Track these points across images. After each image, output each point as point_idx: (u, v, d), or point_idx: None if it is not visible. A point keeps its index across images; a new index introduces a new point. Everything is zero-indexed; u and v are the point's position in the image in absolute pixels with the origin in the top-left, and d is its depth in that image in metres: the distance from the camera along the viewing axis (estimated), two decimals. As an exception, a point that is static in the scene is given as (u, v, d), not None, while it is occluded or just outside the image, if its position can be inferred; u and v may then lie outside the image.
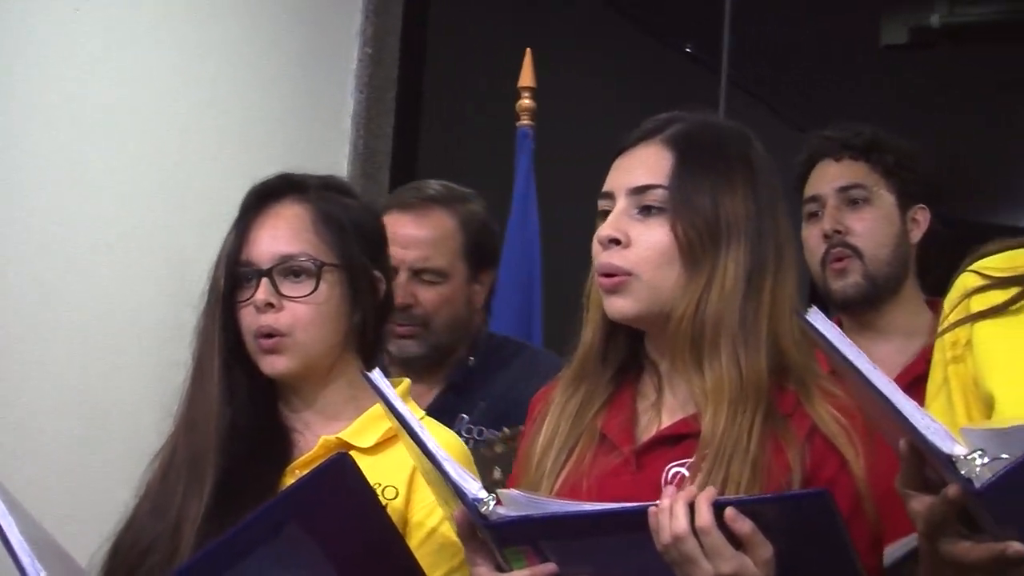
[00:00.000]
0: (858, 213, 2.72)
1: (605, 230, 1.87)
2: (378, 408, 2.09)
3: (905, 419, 1.47)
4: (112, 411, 3.44)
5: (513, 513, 1.64)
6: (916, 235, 2.76)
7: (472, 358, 2.93)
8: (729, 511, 1.57)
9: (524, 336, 3.44)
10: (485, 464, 2.43)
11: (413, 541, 1.96)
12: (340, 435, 2.08)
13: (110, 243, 3.50)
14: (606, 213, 1.90)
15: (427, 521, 2.01)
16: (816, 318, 1.57)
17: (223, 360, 2.08)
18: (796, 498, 1.64)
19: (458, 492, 1.68)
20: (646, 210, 1.86)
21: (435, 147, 4.93)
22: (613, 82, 6.51)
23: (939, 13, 5.66)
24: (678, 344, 1.84)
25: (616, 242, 1.86)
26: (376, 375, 1.83)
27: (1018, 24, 5.80)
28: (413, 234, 2.86)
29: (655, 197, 1.86)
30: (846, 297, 2.68)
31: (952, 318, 1.76)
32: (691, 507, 1.59)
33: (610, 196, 1.90)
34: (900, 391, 1.51)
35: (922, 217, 2.76)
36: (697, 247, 1.84)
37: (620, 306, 1.86)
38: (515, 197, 3.82)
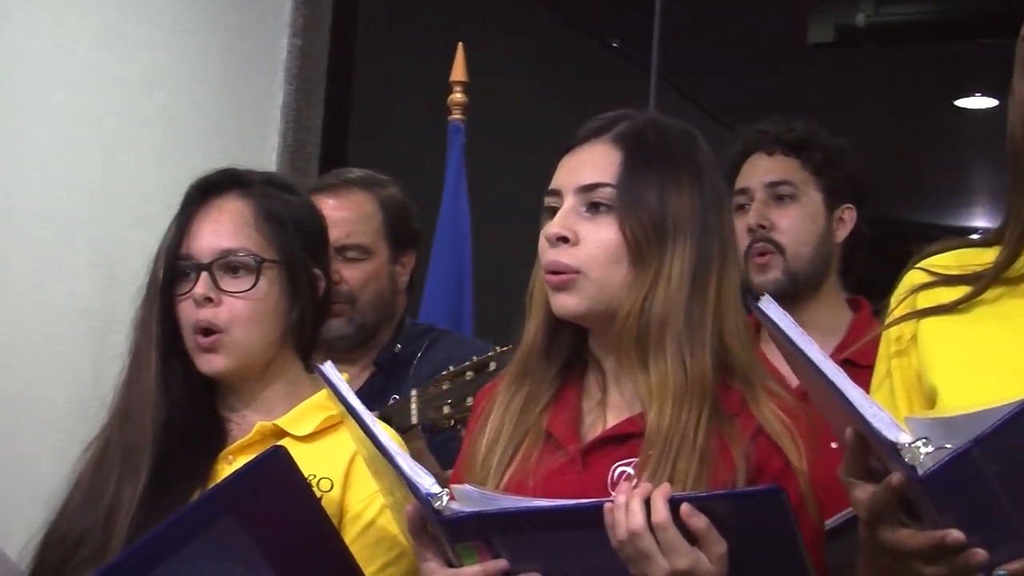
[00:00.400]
0: (784, 209, 2.72)
1: (553, 228, 1.87)
2: (316, 398, 2.10)
3: (852, 407, 1.48)
4: (39, 403, 3.41)
5: (466, 509, 1.64)
6: (841, 234, 2.76)
7: (399, 345, 2.96)
8: (685, 507, 1.58)
9: (455, 329, 3.45)
10: (432, 402, 2.47)
11: (350, 534, 1.96)
12: (276, 422, 2.08)
13: (36, 235, 3.46)
14: (553, 210, 1.90)
15: (365, 513, 2.00)
16: (769, 306, 1.59)
17: (160, 353, 2.07)
18: (750, 495, 1.65)
19: (411, 487, 1.68)
20: (594, 208, 1.87)
21: (365, 140, 4.92)
22: (544, 77, 6.52)
23: (865, 12, 5.71)
24: (624, 342, 1.85)
25: (564, 240, 1.86)
26: (328, 367, 1.84)
27: (942, 24, 5.88)
28: (334, 214, 2.88)
29: (603, 195, 1.87)
30: (765, 292, 2.68)
31: (898, 313, 1.77)
32: (646, 503, 1.59)
33: (557, 194, 1.91)
34: (849, 380, 1.52)
35: (848, 216, 2.77)
36: (644, 245, 1.84)
37: (567, 303, 1.87)
38: (446, 190, 3.84)
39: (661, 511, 1.58)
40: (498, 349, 2.43)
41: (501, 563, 1.65)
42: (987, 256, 1.76)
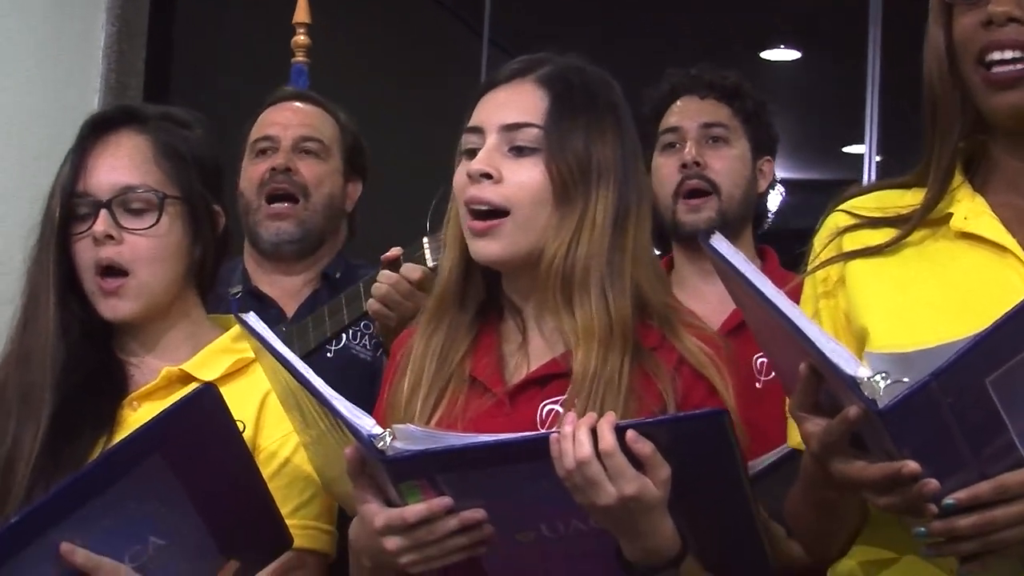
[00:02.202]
0: (718, 151, 2.75)
1: (477, 164, 1.86)
2: (220, 342, 2.07)
3: (809, 341, 1.51)
4: None
5: (411, 447, 1.63)
6: (762, 185, 2.82)
7: (339, 274, 2.93)
8: (630, 433, 1.59)
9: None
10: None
11: (264, 474, 1.92)
12: (183, 367, 2.03)
13: None
14: (472, 152, 1.89)
15: (279, 452, 1.98)
16: (720, 243, 1.61)
17: (58, 294, 2.00)
18: (694, 418, 1.67)
19: (351, 429, 1.66)
20: (518, 150, 1.87)
21: (188, 82, 4.82)
22: (385, 29, 6.49)
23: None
24: (548, 285, 1.86)
25: (488, 177, 1.85)
26: (251, 318, 1.82)
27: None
28: (296, 115, 2.95)
29: (529, 136, 1.87)
30: (697, 230, 2.69)
31: (824, 256, 1.80)
32: (593, 433, 1.60)
33: (479, 131, 1.90)
34: (804, 315, 1.55)
35: (767, 168, 2.82)
36: (571, 188, 1.85)
37: (490, 250, 1.87)
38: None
39: (608, 438, 1.59)
40: None
41: (446, 500, 1.65)
42: (907, 198, 1.80)
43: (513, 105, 1.89)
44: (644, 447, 1.60)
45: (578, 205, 1.85)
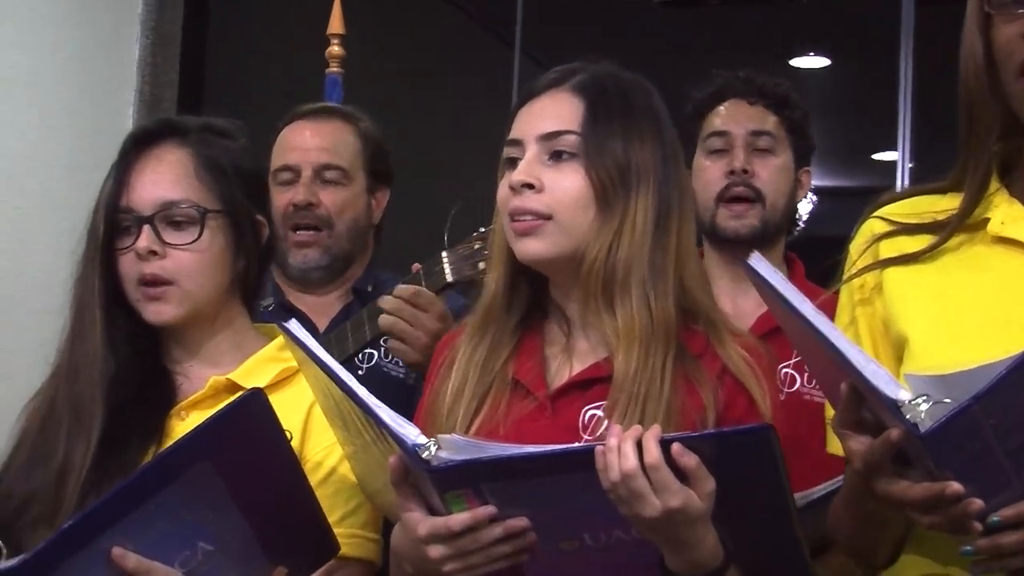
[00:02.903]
0: (765, 160, 2.74)
1: (518, 175, 1.88)
2: (266, 351, 2.09)
3: (850, 363, 1.52)
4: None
5: (456, 457, 1.64)
6: (800, 195, 2.82)
7: (370, 287, 2.92)
8: (676, 446, 1.60)
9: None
10: (466, 260, 2.47)
11: (311, 482, 1.93)
12: (230, 376, 2.05)
13: None
14: (512, 161, 1.92)
15: (324, 463, 2.00)
16: (758, 263, 1.62)
17: (104, 308, 2.02)
18: (740, 433, 1.68)
19: (396, 439, 1.67)
20: (557, 156, 1.89)
21: (222, 94, 4.84)
22: (418, 40, 6.51)
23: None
24: (590, 286, 1.87)
25: (529, 187, 1.88)
26: (294, 326, 1.83)
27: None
28: (313, 138, 2.90)
29: (567, 143, 1.89)
30: (738, 236, 2.70)
31: (860, 263, 1.81)
32: (638, 445, 1.61)
33: (518, 143, 1.92)
34: (844, 336, 1.56)
35: (806, 180, 2.82)
36: (611, 192, 1.87)
37: (534, 248, 1.88)
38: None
39: (653, 452, 1.60)
40: None
41: (489, 509, 1.66)
42: (942, 204, 1.81)
43: (550, 114, 1.91)
44: (689, 460, 1.60)
45: (618, 208, 1.87)
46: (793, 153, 2.78)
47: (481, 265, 2.43)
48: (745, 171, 2.72)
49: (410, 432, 1.68)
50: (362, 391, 1.72)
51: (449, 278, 2.48)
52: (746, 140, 2.74)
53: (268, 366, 2.07)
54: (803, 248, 2.90)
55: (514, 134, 1.93)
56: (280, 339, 2.10)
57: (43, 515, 1.93)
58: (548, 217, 1.87)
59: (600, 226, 1.87)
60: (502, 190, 1.92)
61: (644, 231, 1.87)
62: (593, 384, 1.87)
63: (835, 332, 1.56)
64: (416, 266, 2.54)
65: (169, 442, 1.99)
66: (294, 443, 1.93)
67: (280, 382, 2.05)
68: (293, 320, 1.85)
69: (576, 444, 1.71)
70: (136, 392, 2.02)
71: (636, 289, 1.85)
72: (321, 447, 2.00)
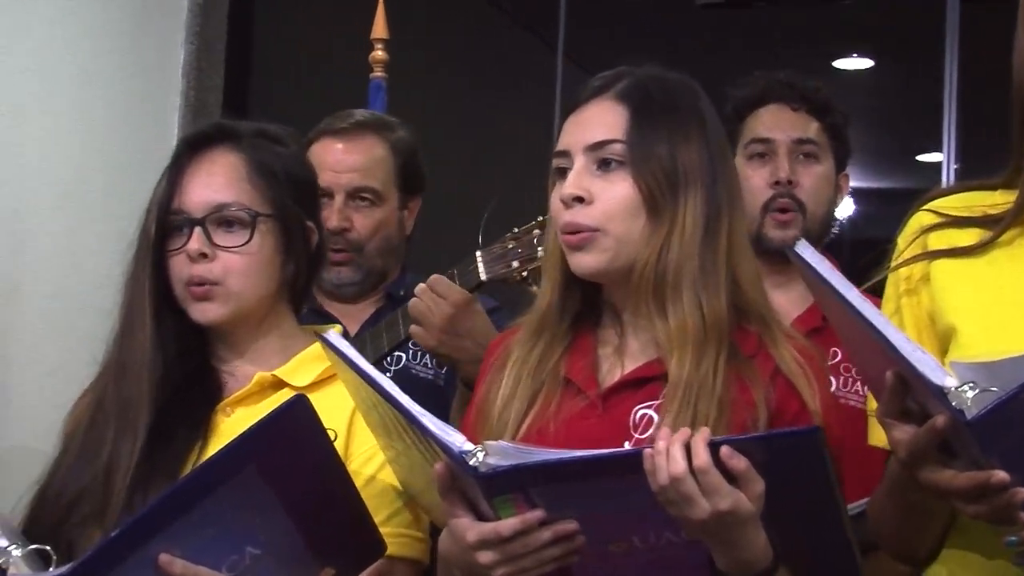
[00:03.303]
0: (808, 169, 2.72)
1: (568, 189, 1.89)
2: (312, 350, 2.10)
3: (896, 350, 1.51)
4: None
5: (504, 463, 1.64)
6: (840, 200, 2.81)
7: (403, 292, 2.91)
8: (725, 449, 1.60)
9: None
10: (499, 259, 2.49)
11: (357, 482, 1.93)
12: (275, 372, 2.07)
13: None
14: (562, 172, 1.92)
15: (363, 470, 2.00)
16: (805, 250, 1.62)
17: (154, 307, 2.04)
18: (789, 435, 1.67)
19: (442, 446, 1.68)
20: (605, 164, 1.89)
21: (267, 99, 4.87)
22: (461, 44, 6.52)
23: (755, -27, 5.80)
24: (641, 292, 1.88)
25: (579, 200, 1.88)
26: (333, 336, 1.85)
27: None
28: (346, 158, 2.88)
29: (614, 151, 1.89)
30: (784, 245, 2.66)
31: (908, 254, 1.81)
32: (687, 448, 1.61)
33: (566, 155, 1.92)
34: (891, 324, 1.56)
35: (844, 185, 2.81)
36: (659, 197, 1.87)
37: (587, 262, 1.89)
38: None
39: (702, 455, 1.60)
40: None
41: (538, 513, 1.66)
42: (994, 199, 1.80)
43: (595, 124, 1.91)
44: (738, 463, 1.60)
45: (667, 213, 1.87)
46: (834, 159, 2.77)
47: (515, 264, 2.47)
48: (790, 182, 2.70)
49: (456, 439, 1.68)
50: (405, 399, 1.73)
51: (483, 277, 2.50)
52: (790, 148, 2.72)
53: (314, 364, 2.08)
54: (848, 249, 2.89)
55: (561, 145, 1.94)
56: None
57: (92, 513, 1.95)
58: (599, 230, 1.88)
59: (650, 232, 1.87)
60: (554, 203, 1.93)
61: (693, 234, 1.87)
62: (644, 384, 1.87)
63: (881, 318, 1.55)
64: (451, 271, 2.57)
65: (215, 438, 2.01)
66: (338, 442, 1.95)
67: (326, 380, 2.07)
68: (331, 331, 1.88)
69: (624, 448, 1.71)
70: (182, 389, 2.04)
71: (687, 292, 1.85)
72: (367, 446, 2.01)
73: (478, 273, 2.51)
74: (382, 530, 1.90)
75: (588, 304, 1.97)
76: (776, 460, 1.61)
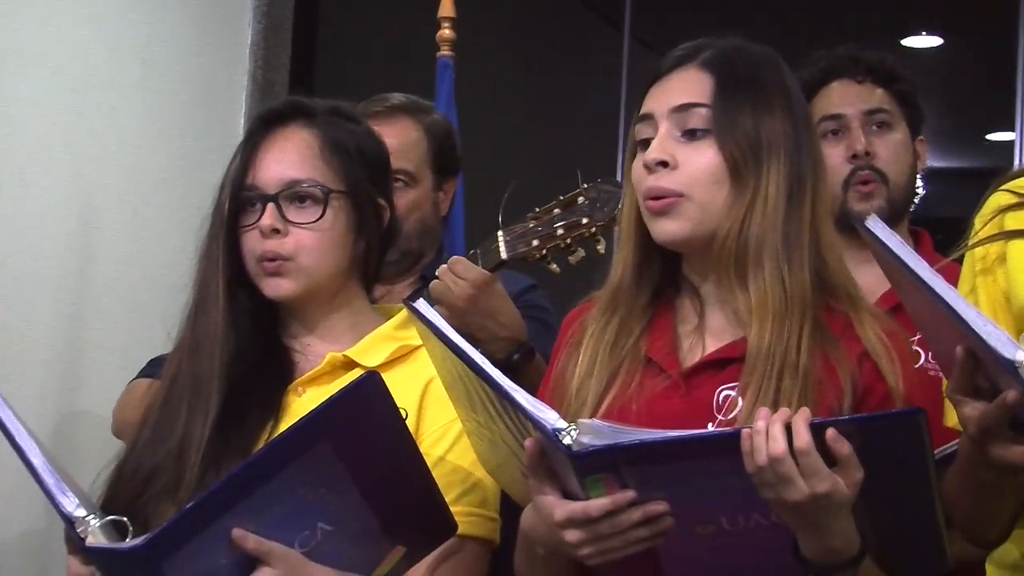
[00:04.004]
0: (883, 138, 2.70)
1: (652, 153, 1.87)
2: (383, 329, 2.10)
3: (967, 324, 1.49)
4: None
5: (597, 442, 1.62)
6: (919, 166, 2.78)
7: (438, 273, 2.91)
8: (831, 432, 1.57)
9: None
10: (520, 238, 2.52)
11: (428, 461, 1.93)
12: (346, 352, 2.07)
13: (12, 180, 3.42)
14: (645, 142, 1.91)
15: (434, 450, 2.00)
16: (876, 225, 1.60)
17: (227, 283, 2.05)
18: (890, 417, 1.65)
19: (535, 423, 1.66)
20: (690, 134, 1.88)
21: (334, 79, 4.88)
22: (527, 23, 6.52)
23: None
24: (723, 263, 1.86)
25: (664, 164, 1.87)
26: (422, 305, 1.83)
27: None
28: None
29: (699, 117, 1.87)
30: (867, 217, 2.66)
31: (984, 233, 1.79)
32: (787, 428, 1.58)
33: (649, 119, 1.91)
34: (962, 298, 1.53)
35: (922, 149, 2.79)
36: (742, 166, 1.85)
37: (670, 229, 1.87)
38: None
39: (804, 436, 1.57)
40: (586, 184, 2.47)
41: (629, 494, 1.65)
42: None
43: (680, 89, 1.90)
44: (843, 447, 1.58)
45: (751, 182, 1.85)
46: (908, 126, 2.74)
47: (535, 242, 2.49)
48: (867, 153, 2.68)
49: (549, 416, 1.65)
50: (496, 373, 1.71)
51: (503, 256, 2.53)
52: (862, 120, 2.70)
53: (385, 344, 2.08)
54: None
55: (645, 110, 1.92)
56: (398, 318, 2.12)
57: (166, 489, 1.96)
58: (683, 195, 1.86)
59: (733, 201, 1.85)
60: (636, 170, 1.91)
61: (776, 204, 1.85)
62: (728, 364, 1.85)
63: (952, 292, 1.53)
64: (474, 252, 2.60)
65: (287, 417, 2.01)
66: (409, 421, 1.94)
67: (397, 360, 2.06)
68: (421, 300, 1.85)
69: (723, 429, 1.69)
70: (255, 368, 2.05)
71: (769, 263, 1.83)
72: (439, 424, 2.01)
73: (499, 252, 2.53)
74: (452, 509, 1.90)
75: (668, 277, 1.95)
76: (875, 443, 1.59)
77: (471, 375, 1.74)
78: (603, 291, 1.96)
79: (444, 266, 2.56)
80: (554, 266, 2.52)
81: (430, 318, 1.80)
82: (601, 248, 2.48)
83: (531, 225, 2.51)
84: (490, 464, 1.95)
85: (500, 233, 2.53)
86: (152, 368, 2.80)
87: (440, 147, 2.97)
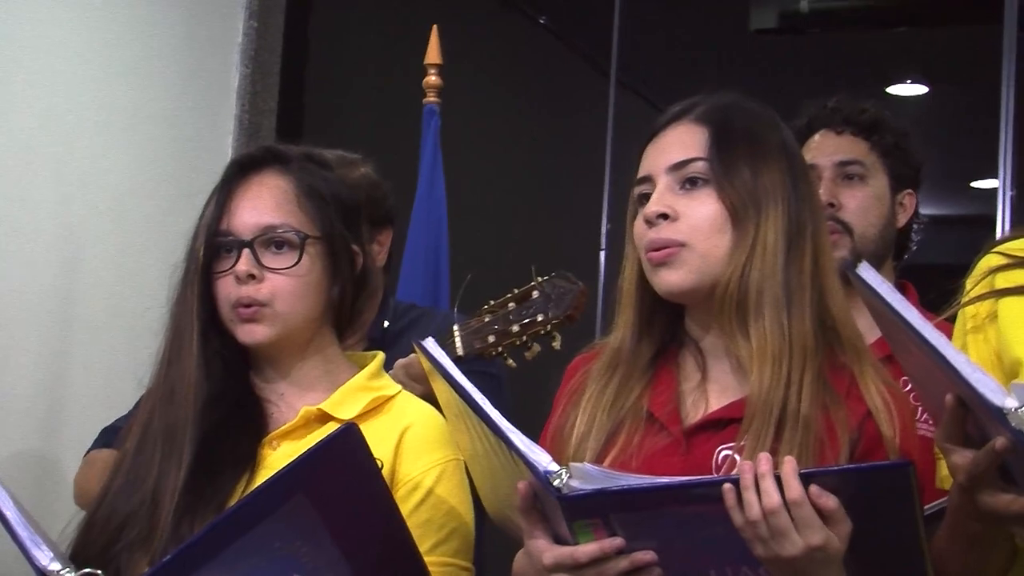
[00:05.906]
0: (852, 190, 2.70)
1: (652, 206, 1.88)
2: (356, 380, 2.10)
3: (956, 371, 1.49)
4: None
5: (587, 486, 1.62)
6: (902, 220, 2.76)
7: (386, 321, 2.92)
8: (814, 488, 1.57)
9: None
10: (476, 334, 2.51)
11: (404, 507, 1.94)
12: (321, 406, 2.06)
13: (4, 224, 3.43)
14: (644, 197, 1.91)
15: (421, 485, 2.01)
16: (866, 272, 1.60)
17: (201, 330, 2.05)
18: (880, 469, 1.65)
19: (528, 465, 1.66)
20: (691, 183, 1.88)
21: (320, 123, 4.89)
22: (514, 70, 6.54)
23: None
24: (724, 311, 1.85)
25: (664, 217, 1.87)
26: (430, 344, 1.83)
27: (882, 10, 5.96)
28: None
29: (697, 169, 1.88)
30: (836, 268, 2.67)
31: (975, 293, 1.80)
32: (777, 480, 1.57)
33: (648, 180, 1.92)
34: (951, 345, 1.53)
35: (908, 202, 2.77)
36: (743, 213, 1.86)
37: (673, 279, 1.87)
38: (422, 173, 3.82)
39: (796, 488, 1.57)
40: (541, 279, 2.46)
41: (617, 541, 1.64)
42: None
43: (676, 145, 1.91)
44: (828, 502, 1.57)
45: (750, 229, 1.85)
46: (889, 177, 2.74)
47: (491, 339, 2.49)
48: (831, 204, 2.67)
49: (542, 459, 1.65)
50: (495, 414, 1.71)
51: (460, 352, 2.52)
52: (833, 171, 2.71)
53: (359, 395, 2.08)
54: (903, 275, 2.86)
55: (643, 171, 1.93)
56: (371, 367, 2.12)
57: (140, 538, 1.95)
58: (685, 244, 1.86)
59: (733, 249, 1.85)
60: (637, 227, 1.91)
61: (776, 251, 1.85)
62: (728, 424, 1.84)
63: (942, 339, 1.53)
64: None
65: (262, 471, 2.00)
66: (385, 471, 1.94)
67: (371, 411, 2.06)
68: (430, 339, 1.85)
69: (712, 476, 1.68)
70: (228, 416, 2.04)
71: (769, 310, 1.83)
72: (417, 470, 2.01)
73: (455, 348, 2.52)
74: (427, 558, 1.89)
75: (670, 332, 1.94)
76: (863, 493, 1.58)
77: (473, 414, 1.74)
78: (604, 352, 1.96)
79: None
80: (511, 362, 2.52)
81: (437, 358, 1.81)
82: (556, 344, 2.48)
83: (487, 320, 2.50)
84: (485, 490, 1.95)
85: (456, 327, 2.53)
86: (107, 437, 2.78)
87: (369, 200, 2.87)
